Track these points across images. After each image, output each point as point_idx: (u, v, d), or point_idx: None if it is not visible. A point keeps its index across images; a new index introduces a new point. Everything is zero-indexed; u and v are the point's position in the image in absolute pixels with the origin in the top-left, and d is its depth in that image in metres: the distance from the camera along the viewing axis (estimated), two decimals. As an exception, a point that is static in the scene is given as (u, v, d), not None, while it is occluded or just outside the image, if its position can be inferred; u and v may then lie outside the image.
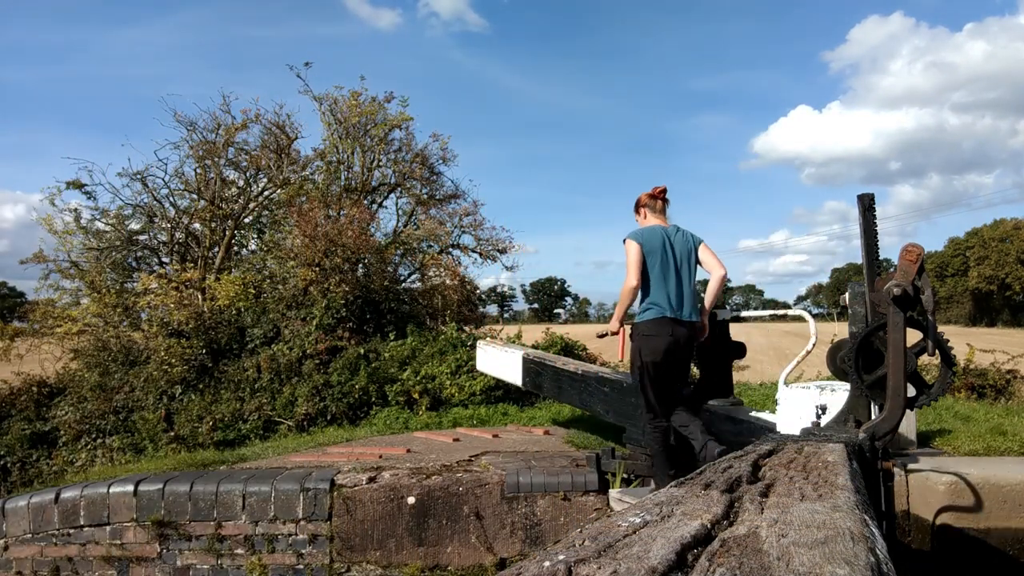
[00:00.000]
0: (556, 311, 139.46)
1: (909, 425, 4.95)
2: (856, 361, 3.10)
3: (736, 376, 7.91)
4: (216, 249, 12.41)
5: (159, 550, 4.92)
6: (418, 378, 8.47)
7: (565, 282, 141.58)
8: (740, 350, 4.88)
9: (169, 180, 12.59)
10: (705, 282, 4.67)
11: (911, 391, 3.04)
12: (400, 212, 14.31)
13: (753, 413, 4.50)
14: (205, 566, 4.90)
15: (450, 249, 13.86)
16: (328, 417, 8.35)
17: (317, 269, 10.00)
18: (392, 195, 14.20)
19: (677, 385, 4.40)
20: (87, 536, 4.98)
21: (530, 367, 6.50)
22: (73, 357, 10.20)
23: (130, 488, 4.98)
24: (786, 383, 4.37)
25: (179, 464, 5.81)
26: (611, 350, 5.15)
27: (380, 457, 5.70)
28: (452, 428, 7.34)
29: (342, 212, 11.51)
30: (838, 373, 3.39)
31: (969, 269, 77.90)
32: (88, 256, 12.01)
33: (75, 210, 12.11)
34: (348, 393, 8.49)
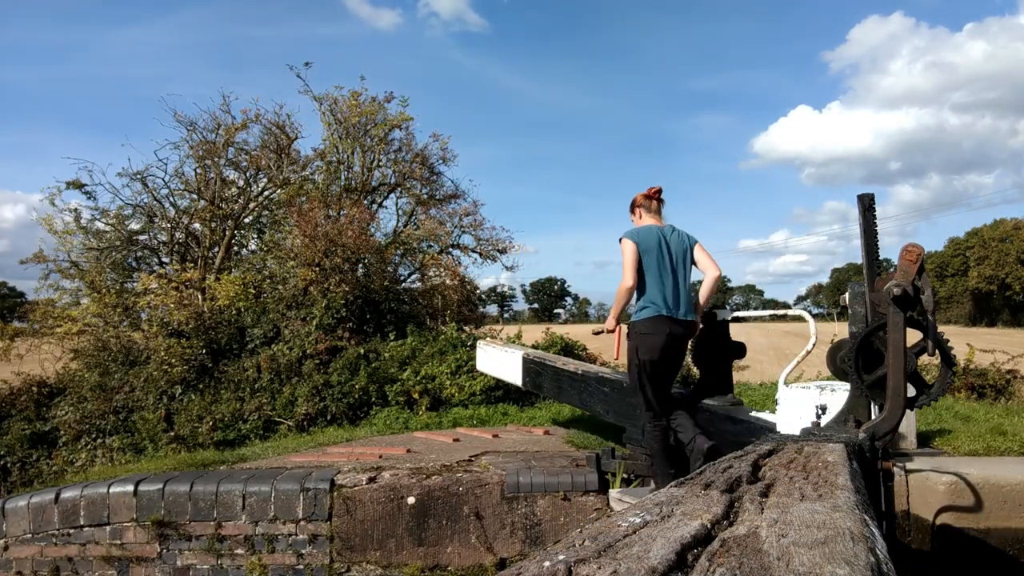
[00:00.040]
0: (556, 311, 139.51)
1: (909, 425, 4.95)
2: (856, 361, 3.10)
3: (736, 376, 7.91)
4: (216, 249, 12.41)
5: (159, 550, 4.92)
6: (418, 378, 8.47)
7: (565, 282, 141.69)
8: (740, 350, 4.88)
9: (169, 180, 12.61)
10: (698, 282, 4.70)
11: (911, 391, 3.04)
12: (400, 212, 14.33)
13: (753, 413, 4.50)
14: (205, 566, 4.90)
15: (450, 249, 13.87)
16: (328, 417, 8.35)
17: (317, 269, 10.01)
18: (392, 195, 14.22)
19: (670, 383, 4.45)
20: (87, 536, 4.98)
21: (530, 367, 6.50)
22: (73, 357, 10.20)
23: (130, 488, 4.98)
24: (786, 383, 4.37)
25: (179, 464, 5.81)
26: (611, 350, 5.16)
27: (380, 457, 5.70)
28: (452, 428, 7.34)
29: (342, 212, 11.52)
30: (838, 373, 3.39)
31: (969, 269, 77.93)
32: (88, 256, 12.01)
33: (75, 210, 12.13)
34: (348, 393, 8.49)
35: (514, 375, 6.78)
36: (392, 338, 9.46)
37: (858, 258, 3.37)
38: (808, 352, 4.45)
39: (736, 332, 4.94)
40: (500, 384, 8.13)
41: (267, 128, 12.83)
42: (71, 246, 11.99)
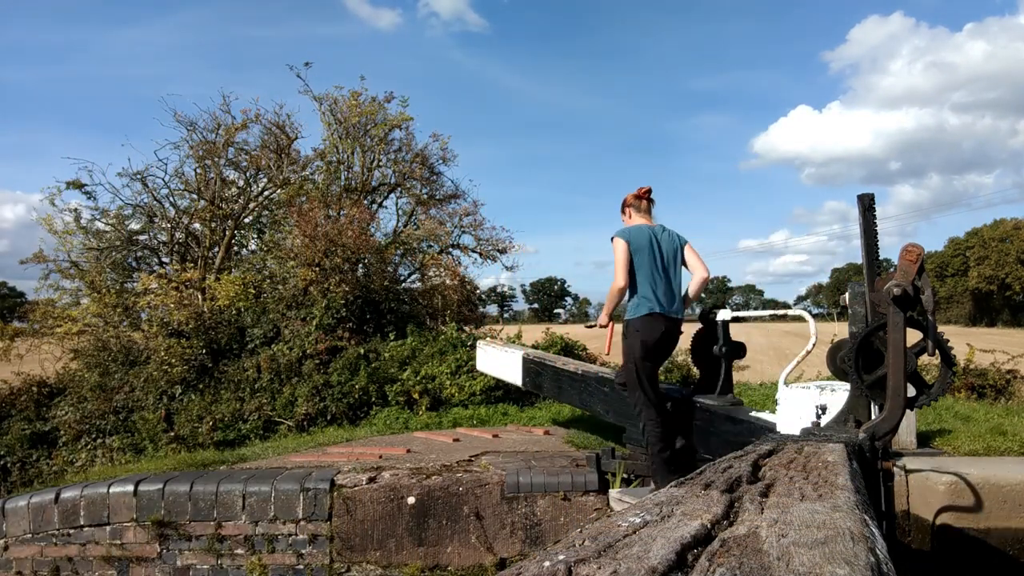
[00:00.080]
0: (556, 311, 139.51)
1: (909, 425, 4.96)
2: (856, 361, 3.10)
3: (736, 376, 7.91)
4: (216, 249, 12.41)
5: (159, 550, 4.92)
6: (418, 378, 8.47)
7: (565, 282, 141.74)
8: (740, 350, 4.89)
9: (169, 180, 12.61)
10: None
11: (911, 391, 3.03)
12: (400, 212, 14.33)
13: (753, 413, 4.49)
14: (205, 566, 4.90)
15: (450, 249, 13.87)
16: (328, 417, 8.35)
17: (317, 269, 10.00)
18: (392, 195, 14.22)
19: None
20: (87, 536, 4.98)
21: (530, 367, 6.50)
22: (73, 357, 10.20)
23: (130, 488, 4.98)
24: (786, 383, 4.37)
25: (179, 464, 5.81)
26: (611, 350, 5.21)
27: (380, 457, 5.70)
28: (452, 428, 7.34)
29: (342, 212, 11.51)
30: (838, 373, 3.39)
31: (969, 269, 77.92)
32: (88, 256, 12.01)
33: (75, 210, 12.12)
34: (348, 393, 8.49)
35: (514, 375, 6.78)
36: (392, 338, 9.46)
37: (858, 258, 3.37)
38: (808, 352, 4.44)
39: (736, 332, 4.94)
40: (500, 384, 8.13)
41: (267, 128, 12.84)
42: (71, 246, 12.00)
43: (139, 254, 12.65)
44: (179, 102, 33.55)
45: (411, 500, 4.92)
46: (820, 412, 3.64)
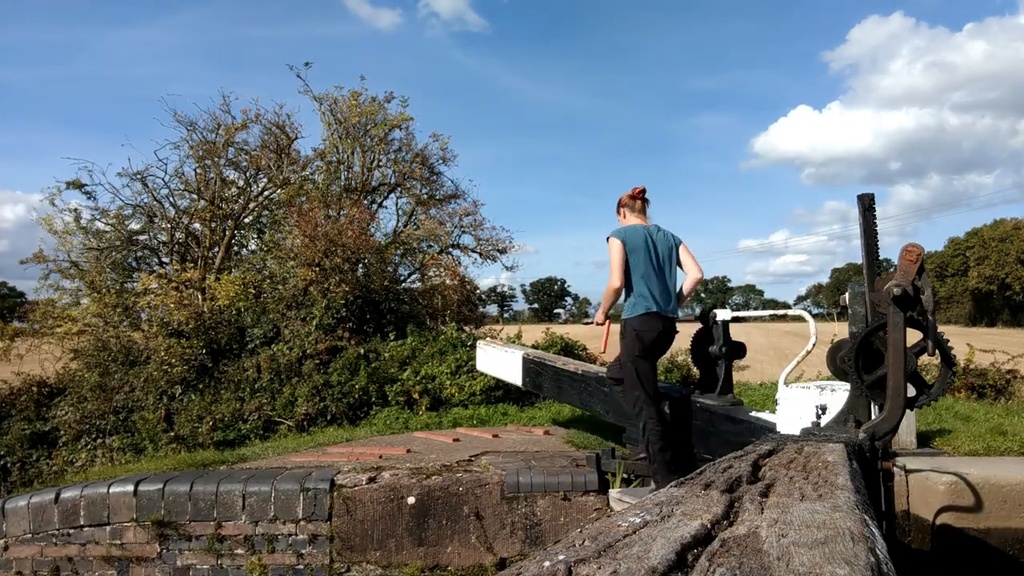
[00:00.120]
0: (556, 311, 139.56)
1: (909, 425, 4.96)
2: (856, 361, 3.10)
3: (736, 376, 7.91)
4: (216, 249, 12.41)
5: (159, 550, 4.92)
6: (418, 378, 8.47)
7: (565, 282, 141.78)
8: (740, 350, 4.89)
9: (169, 180, 12.61)
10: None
11: (911, 391, 3.03)
12: (400, 212, 14.33)
13: (753, 413, 4.49)
14: (205, 566, 4.90)
15: (450, 249, 13.87)
16: (328, 417, 8.35)
17: (317, 269, 10.00)
18: (392, 195, 14.22)
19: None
20: (87, 536, 4.98)
21: (530, 367, 6.50)
22: (73, 357, 10.20)
23: (130, 488, 4.98)
24: (786, 383, 4.37)
25: (179, 464, 5.81)
26: (610, 350, 5.25)
27: (380, 457, 5.70)
28: (452, 428, 7.34)
29: (342, 212, 11.52)
30: (838, 373, 3.39)
31: (969, 269, 77.94)
32: (88, 256, 12.01)
33: (75, 210, 12.13)
34: (348, 393, 8.49)
35: (514, 375, 6.78)
36: (392, 338, 9.46)
37: (858, 258, 3.37)
38: (808, 352, 4.45)
39: (736, 332, 4.94)
40: (500, 384, 8.13)
41: (267, 128, 12.84)
42: (71, 246, 12.00)
43: (139, 254, 12.66)
44: (179, 102, 33.56)
45: (411, 500, 4.92)
46: (820, 412, 3.64)
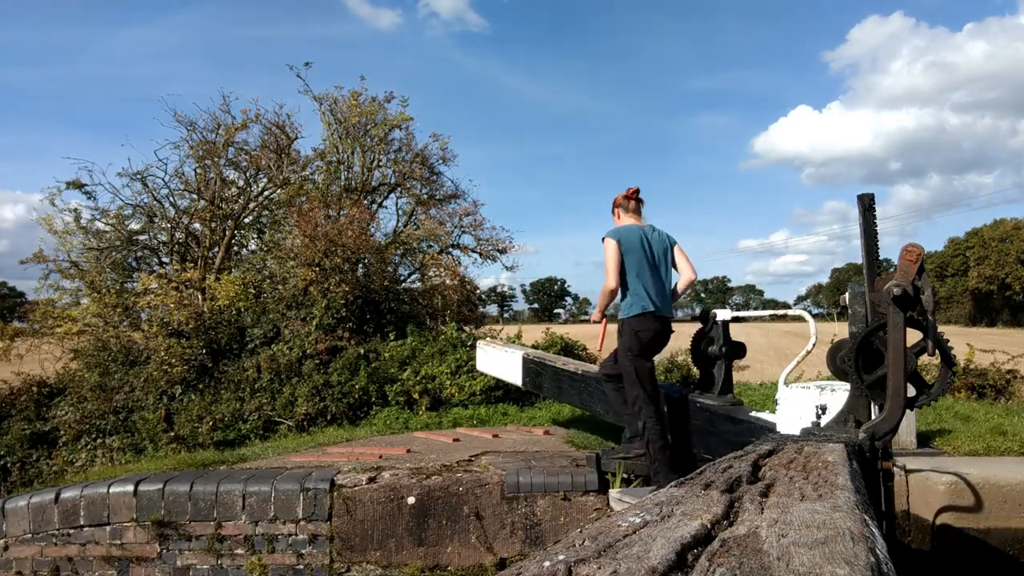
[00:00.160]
0: (556, 311, 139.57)
1: (909, 425, 4.96)
2: (856, 361, 3.10)
3: (736, 376, 7.91)
4: (216, 249, 12.41)
5: (159, 550, 4.91)
6: (418, 378, 8.47)
7: (565, 282, 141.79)
8: (740, 350, 4.89)
9: (169, 180, 12.61)
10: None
11: (911, 391, 3.03)
12: (400, 212, 14.33)
13: (753, 413, 4.49)
14: (205, 566, 4.90)
15: (450, 249, 13.87)
16: (328, 417, 8.35)
17: (317, 269, 10.00)
18: (392, 195, 14.22)
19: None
20: (87, 536, 4.98)
21: (530, 367, 6.50)
22: (73, 357, 10.20)
23: (130, 488, 4.98)
24: (786, 383, 4.37)
25: (179, 464, 5.81)
26: (606, 348, 5.28)
27: (380, 457, 5.70)
28: (452, 428, 7.34)
29: (342, 212, 11.51)
30: (838, 373, 3.39)
31: (969, 269, 77.92)
32: (88, 256, 12.01)
33: (75, 210, 12.13)
34: (348, 393, 8.49)
35: (514, 375, 6.78)
36: (392, 338, 9.46)
37: (858, 258, 3.37)
38: (808, 352, 4.45)
39: (736, 332, 4.94)
40: (500, 384, 8.13)
41: (267, 128, 12.84)
42: (71, 246, 12.00)
43: (139, 254, 12.66)
44: (179, 102, 33.46)
45: (411, 500, 4.92)
46: (820, 412, 3.64)
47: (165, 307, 10.59)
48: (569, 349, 9.69)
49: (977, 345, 8.53)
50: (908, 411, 3.22)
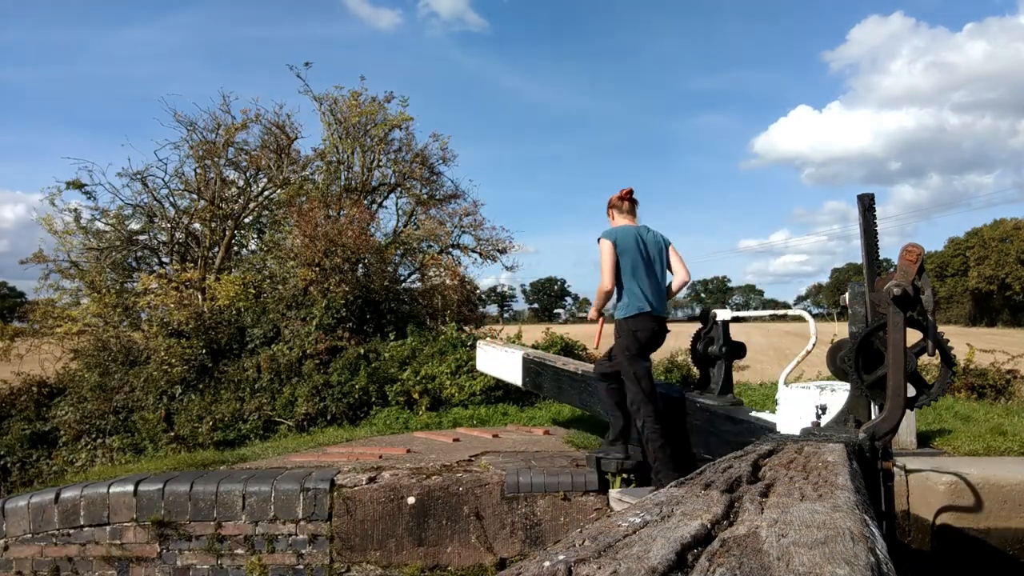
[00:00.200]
0: (556, 311, 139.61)
1: (909, 425, 4.96)
2: (856, 361, 3.09)
3: (736, 376, 7.91)
4: (216, 249, 12.41)
5: (159, 550, 4.91)
6: (418, 378, 8.47)
7: (565, 282, 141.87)
8: (740, 350, 4.89)
9: (169, 180, 12.62)
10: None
11: (911, 391, 3.03)
12: (400, 212, 14.33)
13: (753, 413, 4.49)
14: (205, 566, 4.90)
15: (450, 249, 13.88)
16: (328, 417, 8.35)
17: (317, 269, 10.00)
18: (392, 195, 14.22)
19: None
20: (87, 536, 4.98)
21: (530, 367, 6.50)
22: (73, 357, 10.20)
23: (130, 488, 4.98)
24: (786, 383, 4.37)
25: (179, 464, 5.81)
26: (602, 346, 5.32)
27: (380, 457, 5.70)
28: (452, 428, 7.34)
29: (342, 212, 11.51)
30: (838, 373, 3.39)
31: (969, 269, 77.93)
32: (88, 256, 12.01)
33: (75, 210, 12.13)
34: (348, 393, 8.49)
35: (514, 375, 6.78)
36: (392, 338, 9.45)
37: (858, 258, 3.37)
38: (808, 352, 4.44)
39: (736, 332, 4.94)
40: (500, 384, 8.13)
41: (267, 128, 12.84)
42: (71, 246, 12.01)
43: (139, 254, 12.66)
44: (179, 102, 33.48)
45: (411, 500, 4.92)
46: (820, 412, 3.64)
47: (165, 307, 10.59)
48: (569, 349, 9.69)
49: (977, 345, 8.53)
50: (908, 411, 3.22)
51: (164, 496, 4.93)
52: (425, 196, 14.05)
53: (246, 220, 13.15)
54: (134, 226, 12.62)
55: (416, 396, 8.36)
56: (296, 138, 12.99)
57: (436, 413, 8.08)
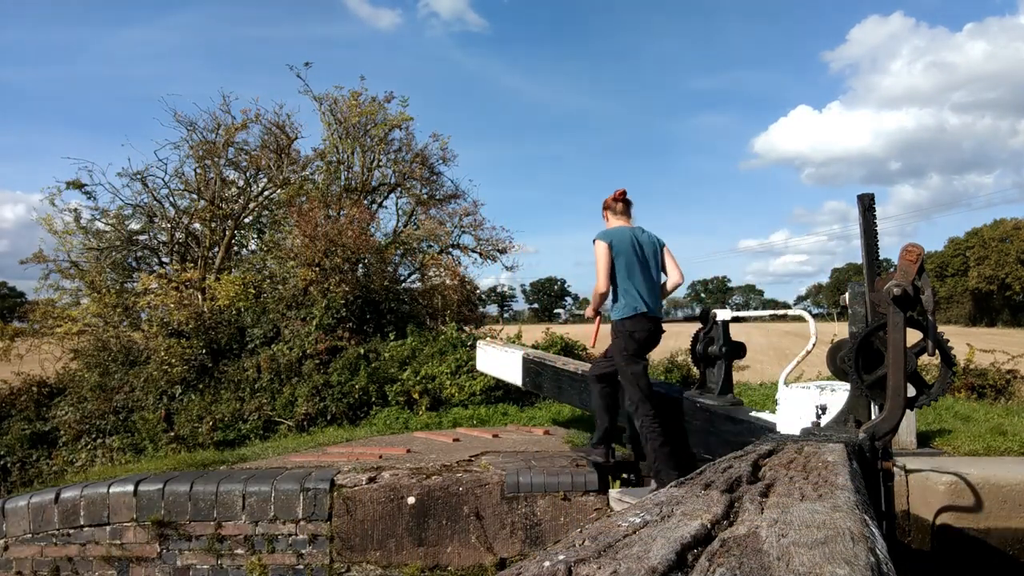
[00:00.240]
0: (556, 311, 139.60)
1: (909, 425, 4.95)
2: (856, 361, 3.09)
3: (736, 376, 7.90)
4: (216, 249, 12.41)
5: (159, 550, 4.91)
6: (418, 378, 8.47)
7: (565, 282, 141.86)
8: (740, 350, 4.89)
9: (169, 180, 12.62)
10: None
11: (911, 391, 3.03)
12: (400, 212, 14.33)
13: (753, 413, 4.49)
14: (205, 566, 4.90)
15: (450, 249, 13.88)
16: (328, 417, 8.35)
17: (317, 269, 10.00)
18: (392, 195, 14.22)
19: None
20: (87, 536, 4.98)
21: (530, 367, 6.50)
22: (73, 357, 10.20)
23: (130, 488, 4.98)
24: (786, 383, 4.36)
25: (179, 464, 5.81)
26: (600, 344, 5.36)
27: (380, 457, 5.70)
28: (452, 428, 7.34)
29: (342, 212, 11.51)
30: (838, 373, 3.38)
31: (969, 269, 77.93)
32: (88, 256, 12.01)
33: (75, 210, 12.13)
34: (348, 393, 8.49)
35: (514, 375, 6.78)
36: (392, 338, 9.45)
37: (858, 258, 3.37)
38: (808, 352, 4.44)
39: (736, 332, 4.94)
40: (500, 384, 8.13)
41: (267, 128, 12.84)
42: (71, 246, 12.01)
43: (139, 254, 12.66)
44: (179, 102, 33.44)
45: (411, 500, 4.92)
46: (820, 412, 3.63)
47: (165, 307, 10.59)
48: (569, 349, 9.69)
49: (977, 345, 8.53)
50: (908, 411, 3.21)
51: (164, 496, 4.93)
52: (425, 196, 14.05)
53: (246, 220, 13.15)
54: (134, 226, 12.63)
55: (416, 396, 8.36)
56: (296, 138, 13.00)
57: (436, 413, 8.08)
